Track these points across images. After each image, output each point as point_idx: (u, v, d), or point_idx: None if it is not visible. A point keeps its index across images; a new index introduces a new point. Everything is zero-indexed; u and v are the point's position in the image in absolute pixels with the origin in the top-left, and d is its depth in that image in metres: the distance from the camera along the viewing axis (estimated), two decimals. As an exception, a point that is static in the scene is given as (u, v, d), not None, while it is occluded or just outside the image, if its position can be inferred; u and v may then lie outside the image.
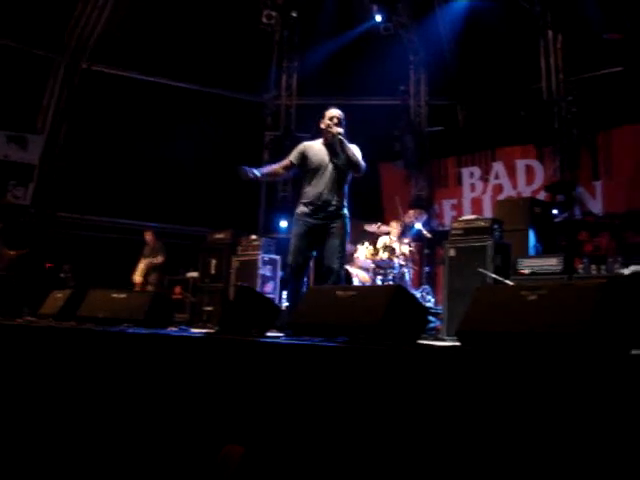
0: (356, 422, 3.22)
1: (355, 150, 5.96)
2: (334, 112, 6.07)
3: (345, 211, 6.01)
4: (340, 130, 5.86)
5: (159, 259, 11.65)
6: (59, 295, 7.29)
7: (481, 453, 2.91)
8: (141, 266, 11.58)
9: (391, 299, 3.95)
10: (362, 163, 5.96)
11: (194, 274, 11.40)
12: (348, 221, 6.02)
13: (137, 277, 11.53)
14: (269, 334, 4.57)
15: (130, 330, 4.82)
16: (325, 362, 3.29)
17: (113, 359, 4.61)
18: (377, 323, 3.83)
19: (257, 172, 6.04)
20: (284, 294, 10.38)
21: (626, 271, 7.63)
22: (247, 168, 5.96)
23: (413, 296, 4.28)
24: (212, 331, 4.97)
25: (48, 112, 12.81)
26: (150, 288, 11.34)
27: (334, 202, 5.92)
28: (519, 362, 2.99)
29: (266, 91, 14.22)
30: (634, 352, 3.15)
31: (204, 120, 13.11)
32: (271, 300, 5.31)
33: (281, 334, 4.57)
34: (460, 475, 2.93)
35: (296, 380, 3.37)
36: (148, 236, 11.86)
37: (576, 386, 2.78)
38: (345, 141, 5.86)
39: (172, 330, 5.08)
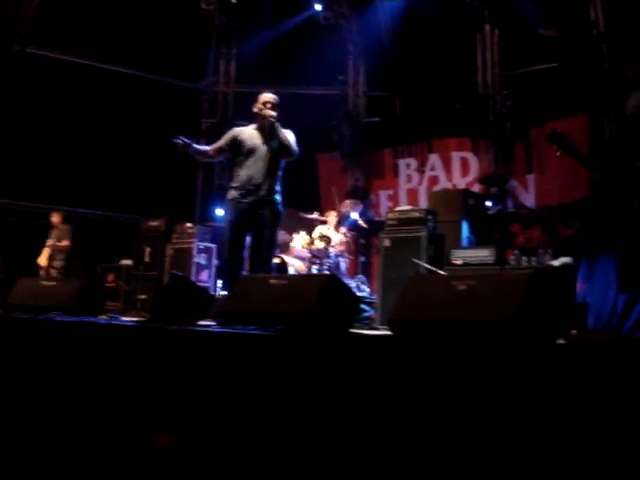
0: (287, 411, 3.21)
1: (289, 135, 5.99)
2: (268, 96, 6.10)
3: (277, 197, 6.00)
4: (273, 114, 5.87)
5: (64, 243, 11.23)
6: (-14, 283, 7.13)
7: (412, 441, 2.94)
8: (46, 249, 11.27)
9: (323, 288, 3.96)
10: (295, 148, 5.99)
11: (128, 262, 11.22)
12: (280, 207, 6.02)
13: (42, 260, 11.19)
14: (201, 323, 4.53)
15: (58, 318, 4.72)
16: (256, 351, 3.27)
17: (41, 347, 4.51)
18: (309, 312, 3.83)
19: (191, 144, 5.97)
20: (219, 283, 10.32)
21: (556, 263, 7.79)
22: (182, 138, 5.89)
23: (345, 285, 4.29)
24: (142, 319, 4.89)
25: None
26: (54, 273, 11.05)
27: (265, 186, 5.89)
28: (448, 350, 3.02)
29: (204, 77, 14.07)
30: (560, 341, 3.23)
31: (140, 106, 12.89)
32: (204, 289, 5.27)
33: (213, 323, 4.53)
34: (393, 464, 2.95)
35: (227, 369, 3.35)
36: (55, 218, 11.41)
37: (504, 374, 2.82)
38: (278, 125, 5.87)
39: (102, 318, 4.98)
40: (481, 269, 7.66)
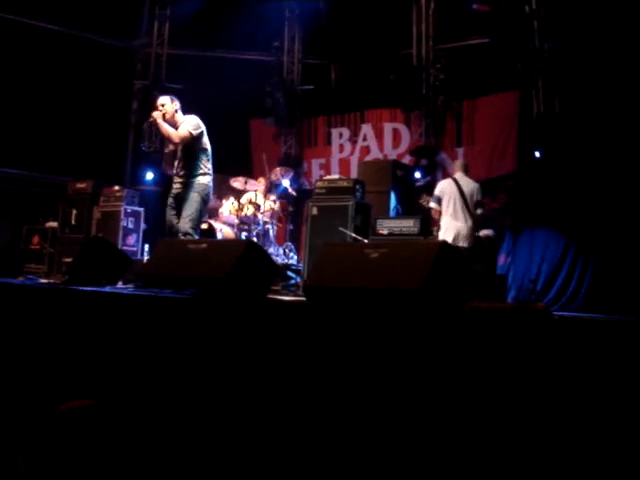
0: (199, 374, 3.24)
1: (186, 123, 6.62)
2: (159, 100, 6.86)
3: (194, 179, 6.57)
4: (154, 114, 6.60)
5: None
6: None
7: (322, 402, 2.99)
8: None
9: (241, 254, 3.98)
10: (174, 135, 6.58)
11: (54, 224, 10.99)
12: (197, 186, 6.56)
13: None
14: (119, 285, 4.51)
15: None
16: (168, 314, 3.28)
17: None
18: (225, 277, 3.86)
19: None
20: (147, 247, 10.23)
21: (479, 235, 7.99)
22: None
23: (264, 252, 4.32)
24: (58, 281, 4.84)
25: None
26: None
27: (183, 173, 6.64)
28: (357, 316, 3.08)
29: (137, 38, 13.77)
30: (465, 309, 3.32)
31: (69, 64, 12.55)
32: (122, 252, 5.23)
33: (131, 286, 4.51)
34: (302, 424, 3.00)
35: (140, 331, 3.35)
36: None
37: (410, 339, 2.90)
38: (160, 123, 6.57)
39: (18, 280, 4.91)
40: (406, 239, 7.78)
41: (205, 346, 3.24)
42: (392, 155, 12.20)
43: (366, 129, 12.78)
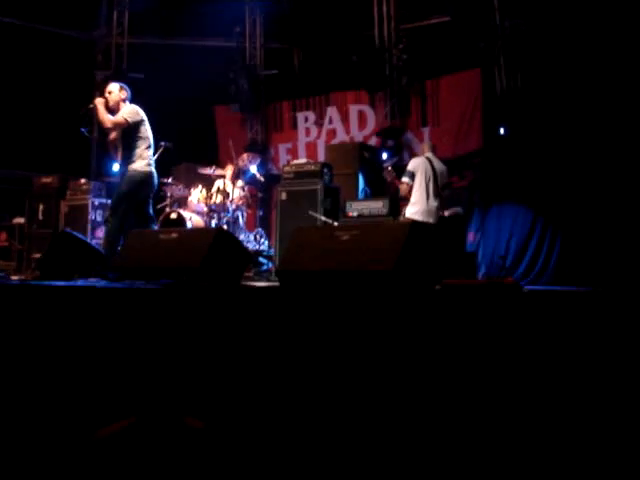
0: (176, 364, 3.25)
1: (123, 110, 6.71)
2: (108, 87, 7.00)
3: (129, 166, 6.68)
4: (96, 100, 6.70)
5: None
6: None
7: (298, 386, 3.02)
8: None
9: (212, 242, 4.00)
10: (107, 120, 6.62)
11: (21, 220, 10.90)
12: (130, 174, 6.66)
13: None
14: (91, 279, 4.49)
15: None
16: (141, 305, 3.28)
17: None
18: (199, 265, 3.87)
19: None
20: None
21: (446, 213, 8.04)
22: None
23: (235, 239, 4.34)
24: (30, 277, 4.82)
25: None
26: None
27: (122, 161, 6.82)
28: (330, 299, 3.11)
29: (97, 28, 13.61)
30: (437, 287, 3.37)
31: (29, 57, 12.38)
32: (93, 246, 5.21)
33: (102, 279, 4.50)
34: (275, 407, 3.03)
35: (113, 325, 3.35)
36: None
37: (384, 321, 2.93)
38: (99, 109, 6.61)
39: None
40: (375, 221, 7.83)
41: (181, 335, 3.25)
42: (359, 137, 12.22)
43: (331, 112, 12.78)
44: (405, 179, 8.01)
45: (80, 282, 3.99)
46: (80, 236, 5.17)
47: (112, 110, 6.73)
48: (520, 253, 10.15)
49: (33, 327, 3.51)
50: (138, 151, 6.68)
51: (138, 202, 6.71)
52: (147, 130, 6.81)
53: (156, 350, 3.21)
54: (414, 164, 8.07)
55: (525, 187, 10.04)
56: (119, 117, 6.62)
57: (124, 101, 6.85)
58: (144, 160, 6.70)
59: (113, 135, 6.84)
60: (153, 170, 6.83)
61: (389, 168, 8.71)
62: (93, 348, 3.31)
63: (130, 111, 6.68)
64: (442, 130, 11.63)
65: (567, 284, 8.25)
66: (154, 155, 7.07)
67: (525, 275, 9.90)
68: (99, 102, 6.64)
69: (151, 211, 6.94)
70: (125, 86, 7.03)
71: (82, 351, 3.34)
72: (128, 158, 6.69)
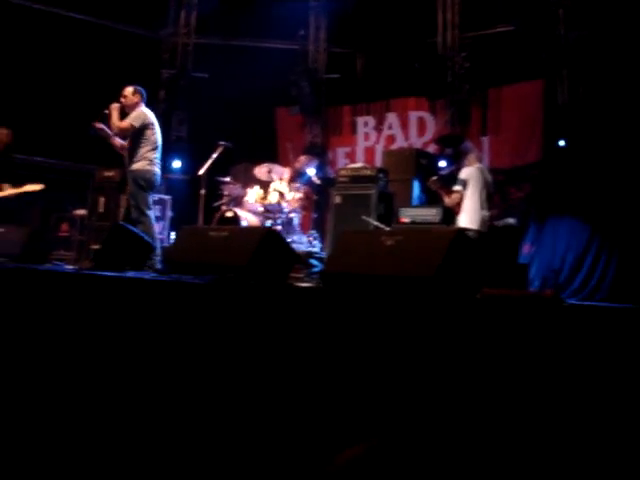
0: (216, 358, 3.32)
1: (131, 115, 7.06)
2: (125, 90, 7.26)
3: (132, 166, 7.04)
4: (111, 106, 7.08)
5: None
6: None
7: (340, 387, 3.06)
8: None
9: (261, 241, 4.06)
10: (115, 125, 7.02)
11: (82, 212, 11.16)
12: (135, 175, 7.00)
13: None
14: (142, 271, 4.61)
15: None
16: (187, 299, 3.37)
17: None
18: (245, 263, 3.94)
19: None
20: (173, 235, 10.36)
21: (499, 223, 8.00)
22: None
23: (283, 239, 4.40)
24: (84, 267, 4.97)
25: None
26: None
27: (128, 159, 7.12)
28: (373, 302, 3.15)
29: (164, 27, 13.90)
30: (477, 296, 3.37)
31: (97, 54, 12.70)
32: (145, 239, 5.34)
33: (153, 272, 4.61)
34: (322, 411, 3.07)
35: (159, 316, 3.45)
36: None
37: (425, 325, 2.95)
38: (112, 115, 7.02)
39: (44, 266, 5.04)
40: (428, 228, 7.81)
41: (223, 330, 3.32)
42: (417, 144, 12.20)
43: (391, 118, 12.79)
44: (458, 187, 7.97)
45: (130, 274, 4.10)
46: (133, 229, 5.32)
47: (128, 113, 7.11)
48: (575, 268, 10.00)
49: (80, 315, 3.63)
50: (141, 152, 7.01)
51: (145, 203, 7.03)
52: (154, 134, 7.13)
53: (196, 342, 3.28)
54: (467, 173, 8.03)
55: (583, 201, 9.89)
56: (125, 122, 7.01)
57: (138, 104, 7.16)
58: (145, 160, 7.01)
59: (116, 141, 7.28)
60: (155, 169, 7.10)
61: (434, 178, 8.66)
62: (137, 337, 3.41)
63: (135, 116, 7.01)
64: (501, 140, 11.53)
65: (623, 302, 8.09)
66: (212, 157, 7.24)
67: (580, 290, 9.75)
68: (114, 108, 7.03)
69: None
70: (140, 89, 7.31)
71: (127, 339, 3.44)
72: (132, 158, 7.05)
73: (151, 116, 7.13)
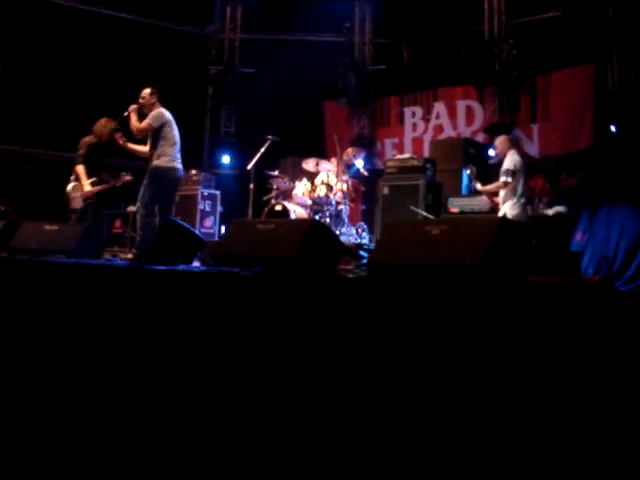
0: (265, 349, 3.37)
1: (149, 116, 7.24)
2: (142, 92, 7.41)
3: (151, 164, 7.18)
4: (130, 108, 7.28)
5: None
6: (-8, 227, 7.34)
7: (388, 379, 3.09)
8: None
9: (307, 233, 4.10)
10: (134, 128, 7.25)
11: (134, 208, 11.34)
12: (152, 171, 7.14)
13: None
14: (193, 264, 4.70)
15: (55, 260, 4.90)
16: (234, 290, 3.43)
17: (41, 289, 4.69)
18: (292, 255, 3.99)
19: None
20: (223, 229, 10.49)
21: (550, 212, 7.90)
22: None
23: (330, 230, 4.44)
24: (135, 260, 5.08)
25: (-14, 42, 12.45)
26: None
27: (149, 157, 7.27)
28: (419, 290, 3.16)
29: (211, 24, 14.05)
30: (522, 283, 3.37)
31: (146, 52, 12.89)
32: (195, 233, 5.43)
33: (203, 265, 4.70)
34: (361, 397, 3.10)
35: (208, 308, 3.51)
36: None
37: (473, 313, 2.96)
38: (131, 118, 7.24)
39: (97, 260, 5.16)
40: (476, 217, 7.77)
41: (270, 320, 3.37)
42: (465, 133, 12.12)
43: (439, 107, 12.73)
44: (509, 179, 7.78)
45: (181, 267, 4.19)
46: (184, 224, 5.42)
47: (146, 114, 7.31)
48: (629, 256, 9.81)
49: (131, 306, 3.72)
50: (161, 149, 7.17)
51: (162, 195, 7.19)
52: (172, 130, 7.30)
53: (246, 331, 3.34)
54: (515, 162, 7.87)
55: (636, 187, 9.71)
56: (144, 124, 7.21)
57: (155, 104, 7.34)
58: (167, 157, 7.17)
59: (137, 149, 7.56)
60: (176, 165, 7.26)
61: (472, 167, 8.52)
62: (189, 327, 3.48)
63: (153, 116, 7.22)
64: (551, 127, 11.40)
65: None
66: (260, 151, 7.25)
67: (634, 279, 9.58)
68: (132, 110, 7.26)
69: (168, 206, 7.43)
70: (156, 90, 7.47)
71: (179, 329, 3.52)
72: (152, 155, 7.20)
73: (167, 115, 7.34)
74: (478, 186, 7.78)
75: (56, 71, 12.52)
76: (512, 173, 7.80)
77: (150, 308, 3.80)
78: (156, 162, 7.16)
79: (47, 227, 6.53)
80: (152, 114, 7.25)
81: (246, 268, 3.93)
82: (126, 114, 7.30)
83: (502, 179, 7.57)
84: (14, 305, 4.77)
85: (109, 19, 13.07)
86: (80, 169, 8.04)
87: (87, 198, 8.04)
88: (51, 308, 4.47)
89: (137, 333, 3.87)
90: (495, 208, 7.78)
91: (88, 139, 8.18)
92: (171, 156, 7.22)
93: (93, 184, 8.03)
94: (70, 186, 8.12)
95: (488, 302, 2.96)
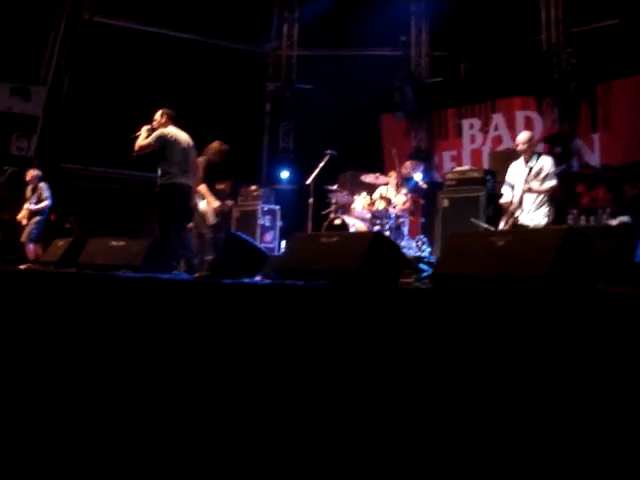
0: (331, 361, 3.40)
1: (152, 135, 7.37)
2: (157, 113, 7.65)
3: (158, 182, 7.35)
4: (142, 128, 7.46)
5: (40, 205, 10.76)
6: (60, 243, 7.54)
7: (451, 393, 3.09)
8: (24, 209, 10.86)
9: (370, 245, 4.12)
10: (137, 145, 7.35)
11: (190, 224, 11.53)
12: (158, 192, 7.33)
13: (22, 219, 10.83)
14: (256, 279, 4.76)
15: (122, 274, 5.01)
16: (298, 303, 3.47)
17: (109, 303, 4.80)
18: (356, 268, 4.01)
19: None
20: (283, 243, 10.58)
21: (613, 222, 7.77)
22: None
23: (392, 243, 4.45)
24: (201, 275, 5.17)
25: (51, 63, 12.79)
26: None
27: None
28: (484, 302, 3.16)
29: (268, 41, 14.23)
30: (590, 294, 3.33)
31: (205, 71, 13.12)
32: (258, 248, 5.50)
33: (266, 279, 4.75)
34: (429, 416, 3.11)
35: (272, 320, 3.56)
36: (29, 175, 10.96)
37: (535, 323, 2.95)
38: (141, 134, 7.38)
39: (165, 275, 5.27)
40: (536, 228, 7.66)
41: (337, 333, 3.40)
42: (525, 144, 11.98)
43: (497, 119, 12.65)
44: (556, 182, 7.43)
45: (246, 280, 4.25)
46: (247, 238, 5.50)
47: None
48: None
49: (199, 321, 3.79)
50: (162, 169, 7.33)
51: (171, 212, 7.30)
52: (173, 150, 7.38)
53: (312, 343, 3.38)
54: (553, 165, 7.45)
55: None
56: (146, 141, 7.33)
57: (165, 124, 7.51)
58: (167, 175, 7.30)
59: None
60: (175, 181, 7.31)
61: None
62: (257, 339, 3.53)
63: (155, 135, 7.35)
64: (613, 136, 11.22)
65: None
66: (318, 166, 7.30)
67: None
68: (144, 130, 7.42)
69: (181, 223, 7.61)
70: (167, 111, 7.66)
71: (247, 341, 3.57)
72: (158, 174, 7.38)
73: (172, 135, 7.44)
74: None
75: (118, 91, 12.82)
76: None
77: (217, 321, 3.87)
78: (159, 181, 7.35)
79: (113, 243, 6.69)
80: (155, 133, 7.41)
81: (310, 282, 3.96)
82: (138, 134, 7.44)
83: (554, 182, 7.22)
84: (81, 318, 4.89)
85: (169, 39, 13.35)
86: (203, 188, 8.39)
87: (219, 213, 8.61)
88: (117, 321, 4.57)
89: (202, 346, 3.94)
90: None
91: (202, 159, 8.50)
92: (170, 174, 7.33)
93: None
94: (202, 204, 8.48)
95: (555, 313, 2.93)
